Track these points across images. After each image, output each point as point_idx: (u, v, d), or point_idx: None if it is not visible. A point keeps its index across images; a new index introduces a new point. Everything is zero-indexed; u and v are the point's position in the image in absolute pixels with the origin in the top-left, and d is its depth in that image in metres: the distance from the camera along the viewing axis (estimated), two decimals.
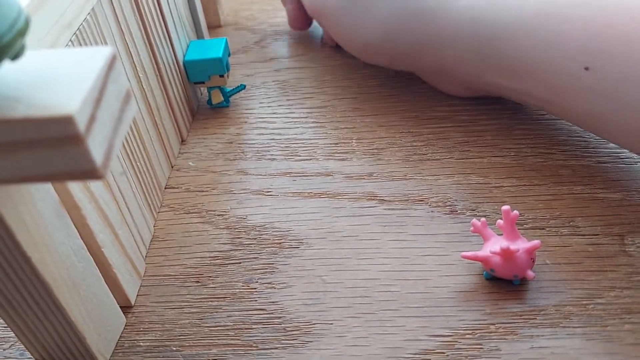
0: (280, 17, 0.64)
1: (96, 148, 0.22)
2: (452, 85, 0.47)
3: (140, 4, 0.41)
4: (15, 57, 0.22)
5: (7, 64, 0.22)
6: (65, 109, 0.21)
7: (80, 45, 0.33)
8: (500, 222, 0.34)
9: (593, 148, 0.43)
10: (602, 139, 0.43)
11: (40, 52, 0.24)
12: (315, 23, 0.60)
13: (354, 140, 0.47)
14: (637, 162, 0.41)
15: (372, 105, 0.50)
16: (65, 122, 0.21)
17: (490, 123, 0.46)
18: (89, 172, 0.22)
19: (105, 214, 0.34)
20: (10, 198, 0.26)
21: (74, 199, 0.31)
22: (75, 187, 0.31)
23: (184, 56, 0.49)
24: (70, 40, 0.32)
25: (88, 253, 0.32)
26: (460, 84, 0.46)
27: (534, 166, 0.42)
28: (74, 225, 0.31)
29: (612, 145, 0.43)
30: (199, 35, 0.54)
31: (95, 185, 0.33)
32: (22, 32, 0.21)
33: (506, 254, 0.32)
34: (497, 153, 0.44)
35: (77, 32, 0.33)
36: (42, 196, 0.28)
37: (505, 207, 0.34)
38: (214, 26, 0.63)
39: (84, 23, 0.33)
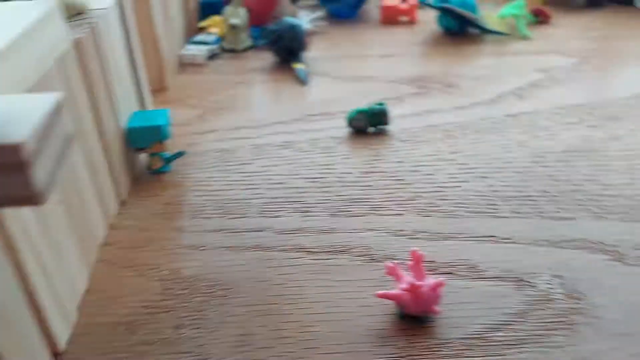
0: (222, 95, 0.69)
1: (39, 177, 0.25)
2: None
3: (89, 74, 0.45)
4: None
5: None
6: (16, 138, 0.24)
7: None
8: (410, 263, 0.38)
9: (495, 205, 0.48)
10: (505, 196, 0.48)
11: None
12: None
13: (286, 199, 0.50)
14: (533, 217, 0.46)
15: (304, 169, 0.54)
16: (14, 150, 0.24)
17: (407, 184, 0.51)
18: (30, 198, 0.25)
19: (42, 260, 0.36)
20: None
21: (13, 241, 0.33)
22: (16, 231, 0.33)
23: (128, 124, 0.53)
24: None
25: (23, 296, 0.33)
26: None
27: (445, 220, 0.47)
28: (10, 268, 0.33)
29: (513, 203, 0.48)
30: (143, 107, 0.58)
31: (34, 231, 0.35)
32: None
33: (413, 289, 0.36)
34: (410, 210, 0.48)
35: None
36: None
37: (413, 249, 0.37)
38: (161, 89, 0.69)
39: (33, 88, 0.37)
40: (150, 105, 0.60)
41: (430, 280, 0.37)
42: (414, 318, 0.38)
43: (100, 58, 0.48)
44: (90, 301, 0.41)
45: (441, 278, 0.37)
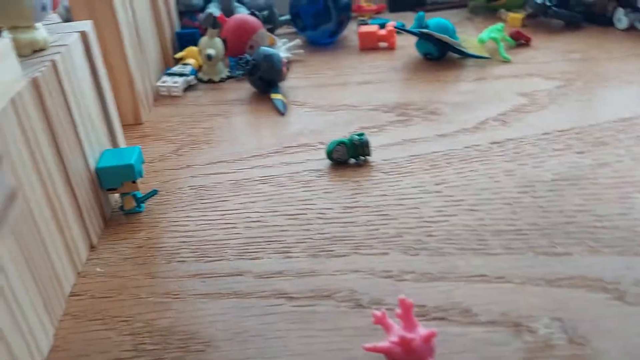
0: (198, 127, 0.67)
1: None
2: None
3: (49, 114, 0.42)
4: None
5: None
6: None
7: None
8: (399, 312, 0.35)
9: (485, 240, 0.46)
10: (496, 230, 0.46)
11: None
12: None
13: (265, 239, 0.48)
14: (525, 253, 0.44)
15: (284, 205, 0.52)
16: None
17: (391, 219, 0.49)
18: None
19: None
20: None
21: None
22: None
23: (97, 163, 0.50)
24: None
25: None
26: None
27: (433, 259, 0.44)
28: None
29: (504, 237, 0.46)
30: (115, 144, 0.56)
31: None
32: None
33: (404, 342, 0.33)
34: (396, 248, 0.46)
35: None
36: None
37: (401, 297, 0.35)
38: (136, 124, 0.67)
39: None
40: (122, 142, 0.57)
41: (422, 330, 0.35)
42: None
43: (63, 96, 0.45)
44: None
45: (433, 327, 0.34)
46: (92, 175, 0.49)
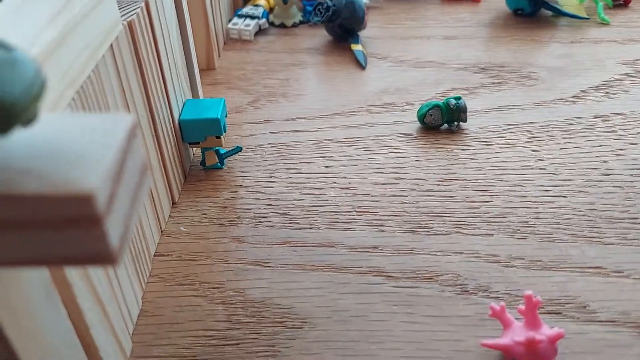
0: (274, 78, 0.63)
1: (114, 230, 0.19)
2: None
3: (142, 61, 0.39)
4: (28, 123, 0.19)
5: (19, 131, 0.20)
6: (85, 185, 0.18)
7: (82, 103, 0.31)
8: (521, 307, 0.33)
9: (598, 228, 0.42)
10: (609, 217, 0.43)
11: (54, 116, 0.21)
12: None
13: (355, 210, 0.45)
14: (622, 244, 0.41)
15: (372, 172, 0.48)
16: (83, 201, 0.18)
17: (492, 196, 0.45)
18: (103, 257, 0.19)
19: (95, 289, 0.31)
20: None
21: (65, 274, 0.28)
22: None
23: (180, 115, 0.47)
24: (72, 98, 0.29)
25: (76, 336, 0.29)
26: None
27: (542, 244, 0.41)
28: (63, 303, 0.28)
29: (619, 226, 0.42)
30: (195, 94, 0.53)
31: None
32: (38, 96, 0.19)
33: (531, 344, 0.30)
34: (500, 229, 0.42)
35: (80, 90, 0.30)
36: (31, 273, 0.25)
37: (528, 293, 0.32)
38: (208, 69, 0.64)
39: (87, 80, 0.31)
40: (201, 92, 0.54)
41: (548, 330, 0.32)
42: None
43: (154, 41, 0.42)
44: (145, 327, 0.37)
45: (552, 324, 0.31)
46: (175, 127, 0.46)
